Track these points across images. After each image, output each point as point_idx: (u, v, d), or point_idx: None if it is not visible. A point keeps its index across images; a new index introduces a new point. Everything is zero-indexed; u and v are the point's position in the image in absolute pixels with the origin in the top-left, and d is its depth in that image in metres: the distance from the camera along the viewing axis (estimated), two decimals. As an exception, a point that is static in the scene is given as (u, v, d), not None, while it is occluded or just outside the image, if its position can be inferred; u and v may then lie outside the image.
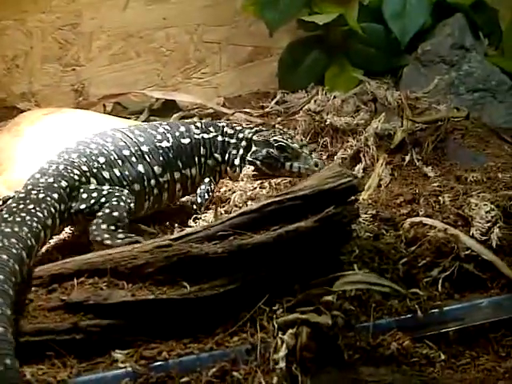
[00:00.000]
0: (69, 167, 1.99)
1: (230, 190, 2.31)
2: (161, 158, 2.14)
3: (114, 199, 1.94)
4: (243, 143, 2.26)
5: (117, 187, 2.00)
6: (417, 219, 1.95)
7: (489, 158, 2.51)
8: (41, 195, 1.85)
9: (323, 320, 1.57)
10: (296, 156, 2.23)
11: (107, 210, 1.92)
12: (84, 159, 2.03)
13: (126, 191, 1.98)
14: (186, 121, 2.42)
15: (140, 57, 3.28)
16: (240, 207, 2.14)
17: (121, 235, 1.89)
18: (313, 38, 3.33)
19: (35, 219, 1.75)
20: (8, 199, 1.94)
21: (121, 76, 3.26)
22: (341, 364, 1.61)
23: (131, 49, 3.26)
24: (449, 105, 2.86)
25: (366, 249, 1.84)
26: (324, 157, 2.68)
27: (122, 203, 1.94)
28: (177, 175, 2.18)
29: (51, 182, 1.92)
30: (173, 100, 3.22)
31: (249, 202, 2.19)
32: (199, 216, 2.14)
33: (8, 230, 1.66)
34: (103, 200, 1.94)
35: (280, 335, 1.58)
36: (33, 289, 1.64)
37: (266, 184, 2.30)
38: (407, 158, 2.60)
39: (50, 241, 1.97)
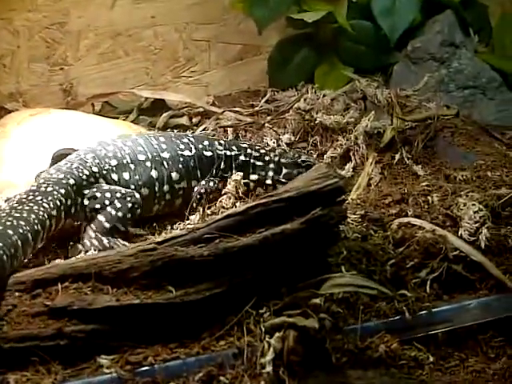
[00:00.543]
0: (81, 167, 2.11)
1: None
2: (180, 166, 2.24)
3: (126, 202, 2.06)
4: (271, 165, 2.40)
5: (129, 190, 2.10)
6: (405, 220, 1.94)
7: (479, 156, 2.50)
8: (49, 189, 2.01)
9: (310, 323, 1.56)
10: None
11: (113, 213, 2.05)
12: (97, 161, 2.15)
13: (137, 195, 2.09)
14: (210, 137, 2.52)
15: (128, 56, 3.25)
16: (227, 209, 2.13)
17: (106, 241, 1.98)
18: (302, 36, 3.31)
19: (42, 209, 1.92)
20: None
21: (109, 75, 3.23)
22: (328, 367, 1.59)
23: (120, 48, 3.23)
24: (439, 102, 2.86)
25: (354, 250, 1.82)
26: (314, 156, 2.67)
27: (129, 207, 2.06)
28: (194, 184, 2.26)
29: (61, 177, 2.06)
30: (162, 99, 3.19)
31: (237, 204, 2.18)
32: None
33: (17, 215, 1.84)
34: (115, 201, 2.06)
35: (267, 339, 1.56)
36: (16, 294, 1.62)
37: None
38: (397, 156, 2.59)
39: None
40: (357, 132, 2.69)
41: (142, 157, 2.20)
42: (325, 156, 2.64)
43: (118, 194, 2.07)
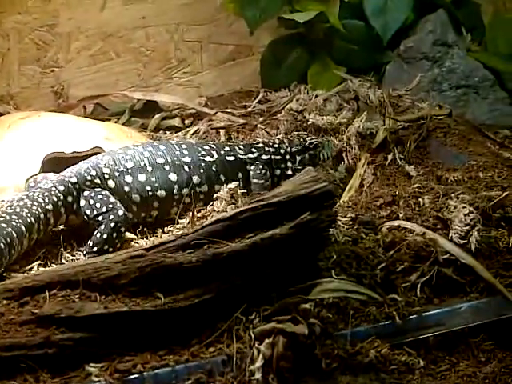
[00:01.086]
0: (90, 167, 2.17)
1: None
2: (201, 171, 2.26)
3: (109, 222, 2.08)
4: (287, 156, 2.47)
5: (117, 205, 2.11)
6: (395, 223, 1.93)
7: (471, 156, 2.48)
8: (48, 185, 2.12)
9: (299, 329, 1.55)
10: (322, 147, 2.52)
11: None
12: (111, 162, 2.19)
13: (120, 212, 2.10)
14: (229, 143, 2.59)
15: (120, 57, 3.24)
16: (218, 212, 2.12)
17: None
18: (294, 36, 3.30)
19: (35, 203, 2.04)
20: None
21: (101, 77, 3.22)
22: (318, 373, 1.58)
23: (110, 49, 3.21)
24: (431, 102, 2.85)
25: (344, 254, 1.82)
26: (307, 157, 2.66)
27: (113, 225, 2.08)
28: (217, 188, 2.26)
29: (65, 175, 2.15)
30: (154, 101, 3.18)
31: (228, 208, 2.16)
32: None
33: (11, 210, 2.00)
34: (100, 218, 2.09)
35: (256, 345, 1.56)
36: (4, 302, 1.61)
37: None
38: (389, 157, 2.58)
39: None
40: (349, 133, 2.68)
41: (160, 160, 2.23)
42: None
43: (104, 209, 2.09)
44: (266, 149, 2.46)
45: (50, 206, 2.06)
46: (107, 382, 1.50)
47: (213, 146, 2.39)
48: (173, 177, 2.22)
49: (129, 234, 2.17)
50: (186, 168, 2.25)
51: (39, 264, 2.01)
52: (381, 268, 1.79)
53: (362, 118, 2.70)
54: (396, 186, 2.33)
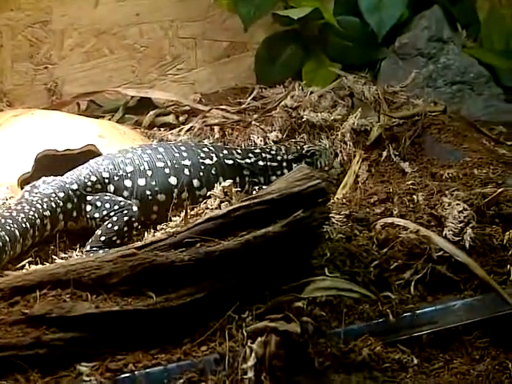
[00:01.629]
0: (90, 173, 2.16)
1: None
2: (201, 174, 2.26)
3: (122, 216, 2.07)
4: (284, 164, 2.48)
5: (128, 202, 2.11)
6: (389, 220, 1.92)
7: (466, 152, 2.48)
8: (48, 191, 2.09)
9: (292, 328, 1.54)
10: (319, 155, 2.54)
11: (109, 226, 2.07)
12: (111, 166, 2.19)
13: (135, 208, 2.10)
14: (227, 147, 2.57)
15: (113, 54, 3.23)
16: (212, 210, 2.11)
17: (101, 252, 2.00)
18: (289, 33, 3.29)
19: (33, 209, 2.02)
20: None
21: (94, 74, 3.21)
22: (311, 372, 1.58)
23: (104, 46, 3.20)
24: (426, 99, 2.84)
25: (337, 251, 1.80)
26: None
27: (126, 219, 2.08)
28: None
29: (65, 182, 2.13)
30: (148, 97, 3.17)
31: (222, 205, 2.15)
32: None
33: (7, 214, 1.98)
34: (112, 214, 2.08)
35: (249, 344, 1.55)
36: (-6, 302, 1.59)
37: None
38: (384, 153, 2.59)
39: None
40: (344, 129, 2.68)
41: (160, 164, 2.22)
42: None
43: (116, 207, 2.08)
44: (263, 155, 2.46)
45: (47, 213, 2.04)
46: (98, 382, 1.49)
47: (211, 148, 2.38)
48: (173, 180, 2.21)
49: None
50: (187, 171, 2.24)
51: (29, 262, 2.00)
52: (374, 265, 1.78)
53: (356, 114, 2.70)
54: (390, 182, 2.32)
